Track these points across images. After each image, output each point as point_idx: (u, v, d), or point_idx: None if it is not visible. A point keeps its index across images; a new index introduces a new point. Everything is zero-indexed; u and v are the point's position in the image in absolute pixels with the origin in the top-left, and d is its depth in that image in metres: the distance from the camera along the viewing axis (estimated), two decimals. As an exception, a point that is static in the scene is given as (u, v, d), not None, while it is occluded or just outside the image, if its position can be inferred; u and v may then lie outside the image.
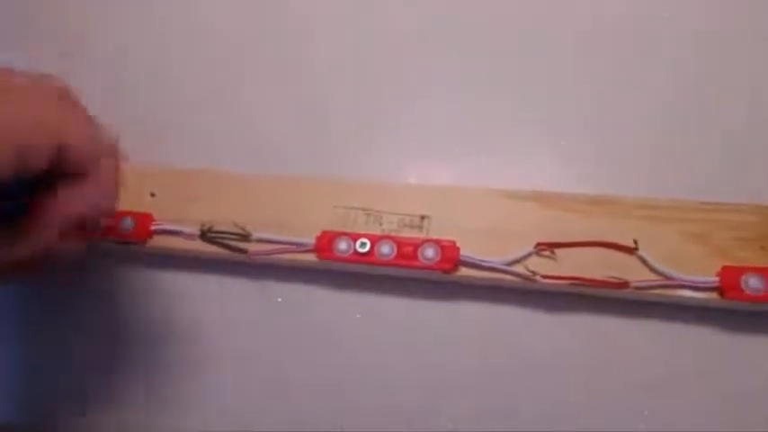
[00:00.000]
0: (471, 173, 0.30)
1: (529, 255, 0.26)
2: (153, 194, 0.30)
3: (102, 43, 0.38)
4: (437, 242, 0.27)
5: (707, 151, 0.29)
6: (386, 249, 0.27)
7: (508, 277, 0.26)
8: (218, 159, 0.32)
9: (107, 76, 0.36)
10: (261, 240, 0.28)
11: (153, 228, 0.29)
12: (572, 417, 0.25)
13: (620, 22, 0.32)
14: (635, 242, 0.25)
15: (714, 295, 0.25)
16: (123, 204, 0.30)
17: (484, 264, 0.26)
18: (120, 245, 0.30)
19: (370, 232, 0.28)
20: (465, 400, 0.26)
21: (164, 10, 0.38)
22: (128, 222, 0.29)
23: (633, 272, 0.25)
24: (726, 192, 0.26)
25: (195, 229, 0.29)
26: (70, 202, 0.21)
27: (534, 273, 0.26)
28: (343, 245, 0.28)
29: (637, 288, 0.25)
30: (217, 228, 0.29)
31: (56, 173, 0.21)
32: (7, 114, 0.19)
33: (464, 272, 0.27)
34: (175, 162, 0.32)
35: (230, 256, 0.29)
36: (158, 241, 0.29)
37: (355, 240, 0.27)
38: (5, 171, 0.19)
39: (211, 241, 0.29)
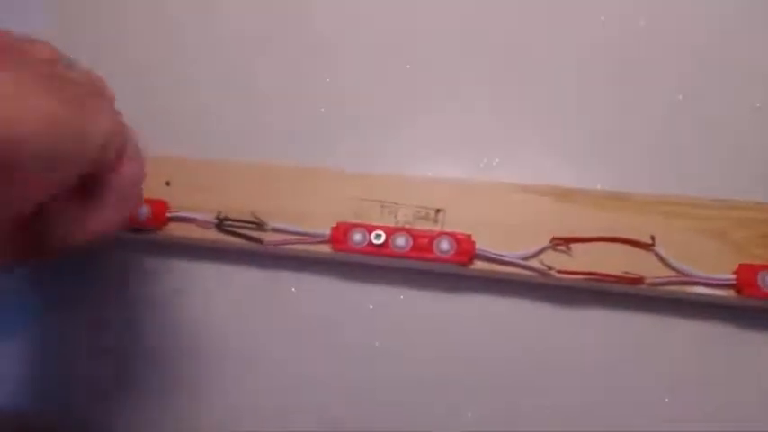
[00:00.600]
0: (487, 167, 0.30)
1: (544, 249, 0.26)
2: (168, 183, 0.30)
3: (112, 32, 0.38)
4: (452, 235, 0.27)
5: (725, 150, 0.29)
6: (401, 241, 0.27)
7: (524, 271, 0.26)
8: (234, 150, 0.32)
9: (121, 65, 0.36)
10: (276, 230, 0.29)
11: (168, 215, 0.29)
12: (586, 412, 0.25)
13: (635, 21, 0.32)
14: (652, 238, 0.25)
15: (731, 292, 0.24)
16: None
17: (499, 258, 0.26)
18: (134, 233, 0.30)
19: (386, 224, 0.28)
20: (478, 393, 0.27)
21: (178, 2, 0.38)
22: (143, 209, 0.29)
23: (649, 268, 0.25)
24: (744, 190, 0.26)
25: (210, 218, 0.29)
26: None
27: (550, 267, 0.26)
28: (357, 236, 0.28)
29: (652, 284, 0.25)
30: (232, 216, 0.29)
31: None
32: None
33: (479, 265, 0.27)
34: (190, 152, 0.32)
35: (245, 245, 0.29)
36: (173, 229, 0.29)
37: (370, 232, 0.27)
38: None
39: (227, 231, 0.29)
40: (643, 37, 0.32)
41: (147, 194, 0.29)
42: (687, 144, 0.29)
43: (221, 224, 0.29)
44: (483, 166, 0.30)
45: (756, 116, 0.29)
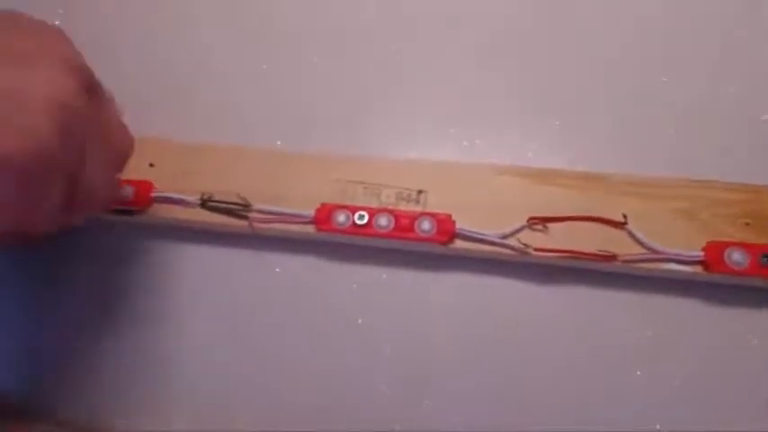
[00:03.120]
0: (467, 149, 0.31)
1: (522, 228, 0.27)
2: (152, 165, 0.31)
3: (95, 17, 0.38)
4: (433, 215, 0.28)
5: (695, 130, 0.30)
6: (383, 222, 0.28)
7: (502, 250, 0.27)
8: (219, 133, 0.32)
9: (106, 48, 0.36)
10: (261, 212, 0.29)
11: (153, 195, 0.29)
12: (562, 385, 0.26)
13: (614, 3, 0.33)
14: (624, 217, 0.26)
15: (699, 269, 0.26)
16: (122, 174, 0.30)
17: (478, 236, 0.27)
18: (119, 214, 0.30)
19: (369, 205, 0.28)
20: (459, 370, 0.27)
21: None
22: (127, 190, 0.29)
23: (622, 246, 0.26)
24: (713, 170, 0.27)
25: (195, 198, 0.29)
26: None
27: (527, 246, 0.27)
28: (341, 217, 0.28)
29: (625, 261, 0.26)
30: (217, 197, 0.29)
31: None
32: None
33: (459, 244, 0.27)
34: (175, 134, 0.32)
35: (229, 226, 0.29)
36: (157, 210, 0.30)
37: (354, 213, 0.28)
38: None
39: (212, 209, 0.29)
40: (623, 19, 0.33)
41: (131, 176, 0.30)
42: (661, 126, 0.30)
43: (206, 203, 0.29)
44: (464, 148, 0.31)
45: (733, 100, 0.30)
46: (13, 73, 0.19)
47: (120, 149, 0.25)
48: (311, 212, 0.28)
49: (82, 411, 0.29)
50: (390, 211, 0.28)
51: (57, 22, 0.23)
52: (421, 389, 0.27)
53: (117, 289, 0.31)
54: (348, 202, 0.29)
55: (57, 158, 0.19)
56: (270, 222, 0.29)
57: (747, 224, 0.26)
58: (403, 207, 0.28)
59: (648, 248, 0.26)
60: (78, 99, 0.20)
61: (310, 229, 0.29)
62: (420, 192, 0.29)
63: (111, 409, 0.29)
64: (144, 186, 0.29)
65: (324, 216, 0.28)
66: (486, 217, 0.27)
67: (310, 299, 0.29)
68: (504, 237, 0.27)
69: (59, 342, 0.30)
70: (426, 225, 0.27)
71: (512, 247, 0.27)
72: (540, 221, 0.27)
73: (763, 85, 0.30)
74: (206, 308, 0.30)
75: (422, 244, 0.28)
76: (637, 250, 0.26)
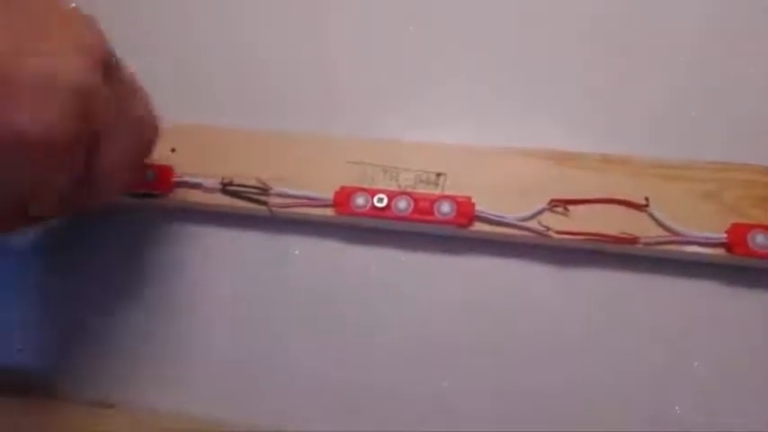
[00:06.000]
0: (487, 131, 0.31)
1: (543, 211, 0.27)
2: (173, 150, 0.31)
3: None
4: (453, 198, 0.28)
5: (718, 112, 0.29)
6: (403, 204, 0.28)
7: (522, 233, 0.27)
8: (238, 117, 0.32)
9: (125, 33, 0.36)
10: (280, 195, 0.29)
11: (174, 179, 0.30)
12: (582, 368, 0.26)
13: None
14: (646, 199, 0.26)
15: (721, 251, 0.25)
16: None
17: (498, 219, 0.27)
18: (140, 198, 0.30)
19: (388, 188, 0.28)
20: (477, 353, 0.27)
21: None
22: (148, 174, 0.30)
23: (644, 228, 0.26)
24: (736, 152, 0.27)
25: (215, 183, 0.29)
26: None
27: (548, 228, 0.27)
28: (360, 200, 0.28)
29: (646, 244, 0.26)
30: (237, 182, 0.29)
31: None
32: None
33: (479, 227, 0.27)
34: (195, 119, 0.32)
35: (249, 209, 0.29)
36: (178, 194, 0.30)
37: (373, 196, 0.28)
38: None
39: (232, 194, 0.29)
40: (644, 2, 0.32)
41: (152, 160, 0.30)
42: (683, 109, 0.30)
43: (226, 188, 0.29)
44: (483, 131, 0.31)
45: (755, 82, 0.30)
46: (30, 60, 0.19)
47: (143, 135, 0.25)
48: (330, 195, 0.28)
49: (99, 391, 0.29)
50: (409, 194, 0.28)
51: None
52: (440, 370, 0.27)
53: (137, 271, 0.31)
54: (367, 185, 0.29)
55: (69, 140, 0.20)
56: (289, 206, 0.29)
57: (772, 206, 0.26)
58: (422, 190, 0.28)
59: (670, 231, 0.26)
60: (92, 79, 0.20)
61: (329, 212, 0.29)
62: (439, 174, 0.29)
63: (127, 389, 0.29)
64: (165, 171, 0.30)
65: (343, 199, 0.28)
66: (506, 199, 0.27)
67: (329, 281, 0.29)
68: (525, 219, 0.27)
69: (77, 322, 0.31)
70: (446, 208, 0.27)
71: (532, 230, 0.27)
72: (561, 204, 0.27)
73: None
74: (225, 290, 0.30)
75: (441, 227, 0.28)
76: (658, 233, 0.26)
